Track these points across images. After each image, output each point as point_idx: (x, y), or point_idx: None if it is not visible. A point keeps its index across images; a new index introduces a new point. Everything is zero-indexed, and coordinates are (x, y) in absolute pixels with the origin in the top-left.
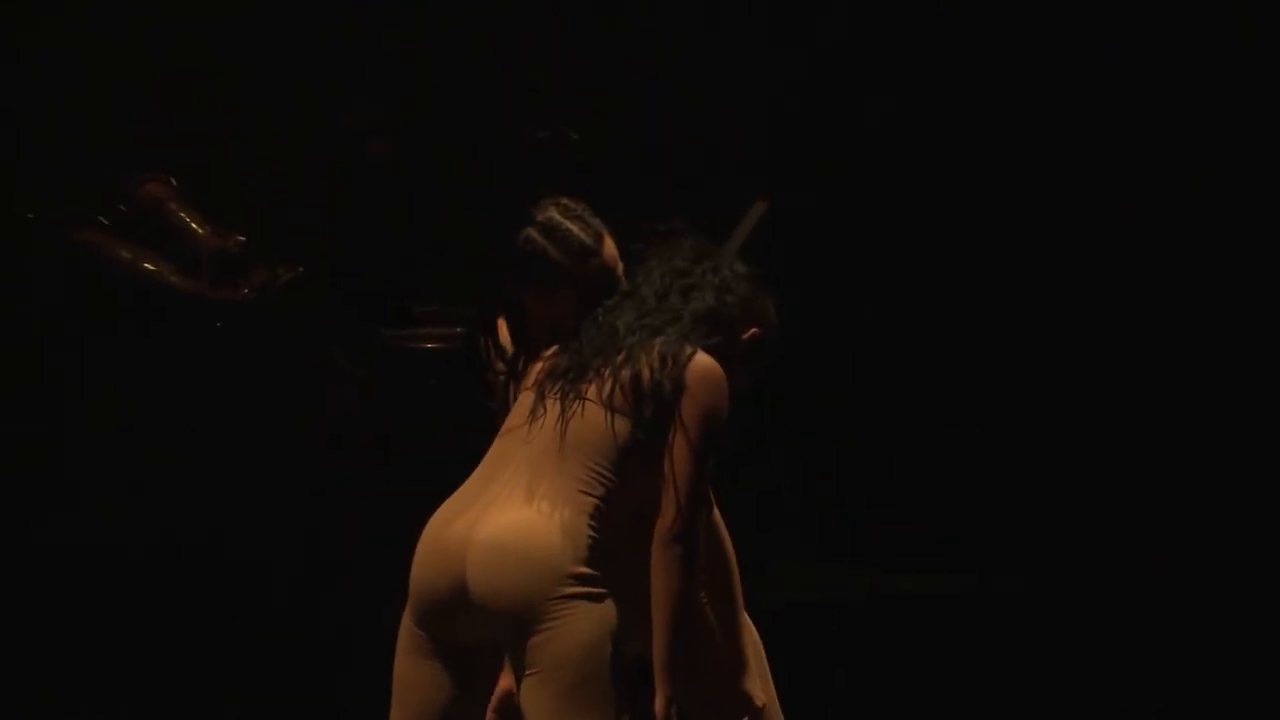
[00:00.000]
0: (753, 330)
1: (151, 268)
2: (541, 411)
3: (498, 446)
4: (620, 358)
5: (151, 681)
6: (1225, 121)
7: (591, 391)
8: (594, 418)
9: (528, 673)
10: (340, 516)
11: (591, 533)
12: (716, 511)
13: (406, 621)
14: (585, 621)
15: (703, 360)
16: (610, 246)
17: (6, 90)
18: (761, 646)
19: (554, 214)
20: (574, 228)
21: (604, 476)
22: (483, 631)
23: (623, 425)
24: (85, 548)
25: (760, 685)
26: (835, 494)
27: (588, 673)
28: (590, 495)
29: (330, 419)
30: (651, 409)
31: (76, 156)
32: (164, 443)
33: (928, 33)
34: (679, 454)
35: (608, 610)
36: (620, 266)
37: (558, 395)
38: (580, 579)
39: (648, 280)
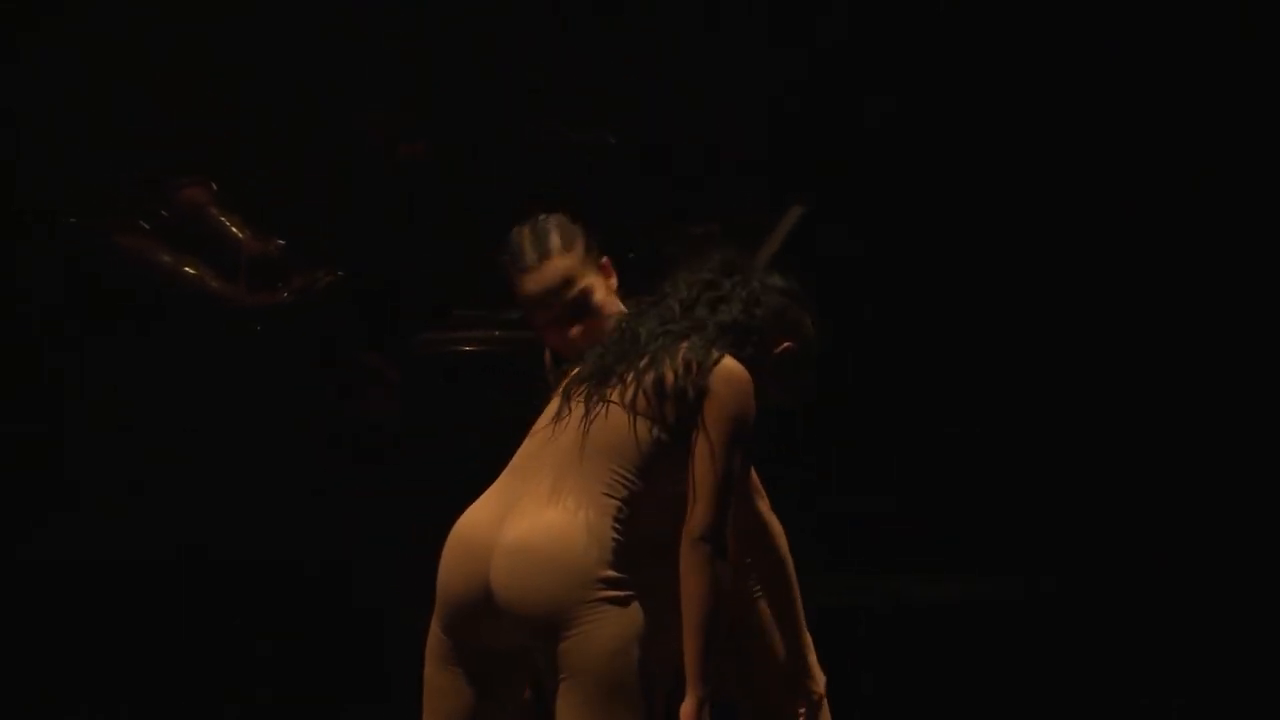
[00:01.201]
0: (785, 344)
1: (192, 272)
2: (566, 414)
3: (523, 449)
4: (643, 362)
5: (151, 681)
6: (1225, 121)
7: (615, 395)
8: (617, 420)
9: (557, 678)
10: (340, 516)
11: (616, 535)
12: (767, 505)
13: (434, 628)
14: (613, 626)
15: (728, 364)
16: (564, 264)
17: (6, 90)
18: (811, 645)
19: (516, 232)
20: (524, 244)
21: (627, 479)
22: (509, 637)
23: (645, 428)
24: (85, 548)
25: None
26: (835, 494)
27: (617, 678)
28: (613, 498)
29: (350, 420)
30: (674, 412)
31: (76, 156)
32: (164, 443)
33: (928, 33)
34: (702, 455)
35: (634, 613)
36: (591, 280)
37: (582, 398)
38: (606, 582)
39: (674, 290)
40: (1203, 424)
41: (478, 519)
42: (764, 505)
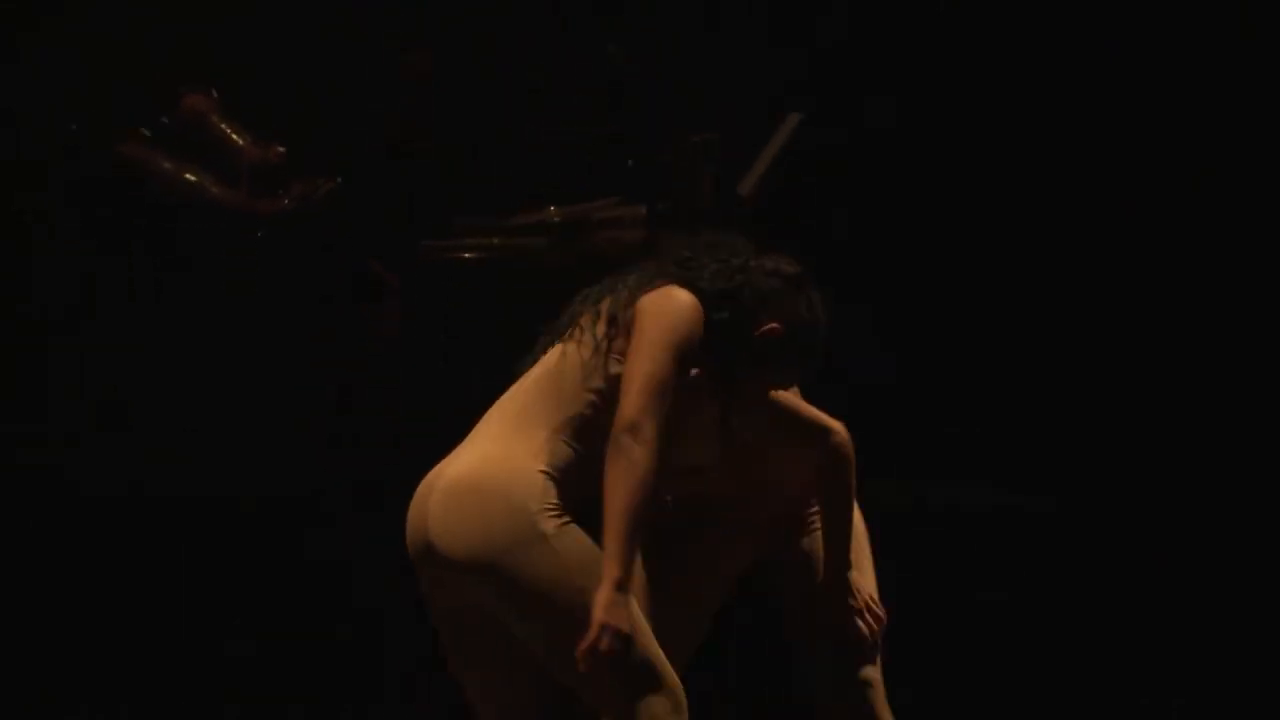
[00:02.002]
0: (770, 326)
1: (193, 179)
2: (533, 363)
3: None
4: (596, 304)
5: (150, 682)
6: (1225, 121)
7: (564, 336)
8: (559, 354)
9: (515, 618)
10: (340, 516)
11: (549, 468)
12: (840, 435)
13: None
14: (554, 559)
15: (668, 287)
16: None
17: (6, 90)
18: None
19: None
20: None
21: (565, 406)
22: (470, 594)
23: (576, 353)
24: (84, 547)
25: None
26: None
27: (572, 613)
28: (548, 427)
29: (355, 334)
30: (607, 332)
31: (77, 156)
32: (164, 442)
33: (928, 33)
34: (630, 357)
35: (572, 541)
36: None
37: (542, 348)
38: (537, 514)
39: (649, 259)
40: (1207, 422)
41: (435, 469)
42: (836, 437)
